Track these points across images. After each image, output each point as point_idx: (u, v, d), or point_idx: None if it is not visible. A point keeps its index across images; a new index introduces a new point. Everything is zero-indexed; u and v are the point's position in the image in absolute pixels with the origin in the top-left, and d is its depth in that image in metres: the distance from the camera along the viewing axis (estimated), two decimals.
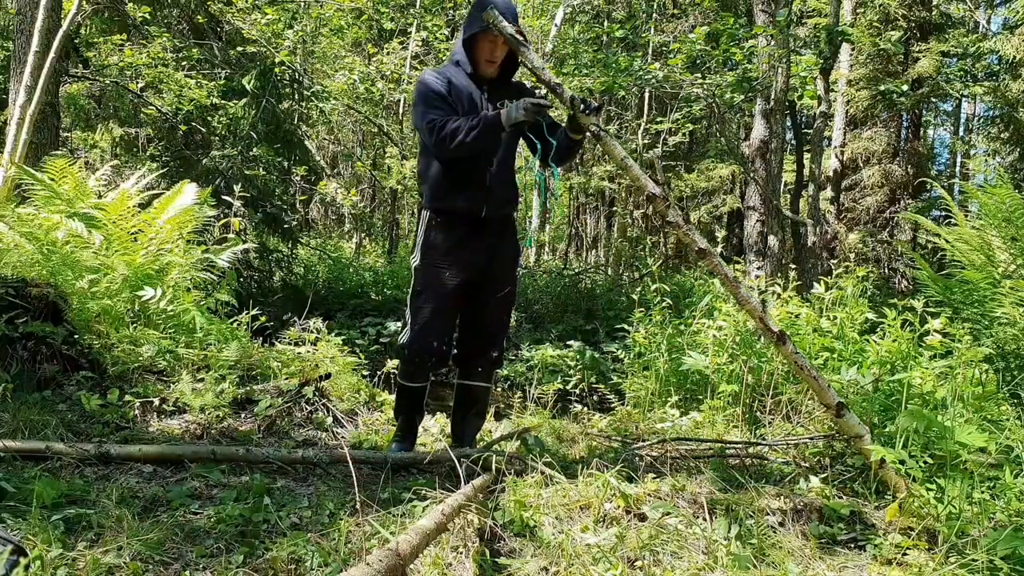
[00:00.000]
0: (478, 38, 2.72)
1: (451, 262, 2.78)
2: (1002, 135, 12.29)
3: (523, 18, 10.88)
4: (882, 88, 11.79)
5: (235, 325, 4.30)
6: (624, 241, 14.90)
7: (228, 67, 7.84)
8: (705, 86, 7.37)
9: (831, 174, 12.11)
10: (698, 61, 7.39)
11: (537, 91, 2.92)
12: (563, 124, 2.69)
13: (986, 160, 16.50)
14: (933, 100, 14.58)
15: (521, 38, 2.65)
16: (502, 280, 2.88)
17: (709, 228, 17.22)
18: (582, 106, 2.54)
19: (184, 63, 7.70)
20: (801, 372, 2.52)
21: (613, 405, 4.50)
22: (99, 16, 8.17)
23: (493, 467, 2.56)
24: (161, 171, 6.37)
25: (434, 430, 3.53)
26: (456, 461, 2.37)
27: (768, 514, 2.38)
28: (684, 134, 14.63)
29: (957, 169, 19.90)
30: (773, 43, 6.94)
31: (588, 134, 2.62)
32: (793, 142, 9.65)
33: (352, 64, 9.10)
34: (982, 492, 2.31)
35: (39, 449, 2.46)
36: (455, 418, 3.09)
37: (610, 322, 6.91)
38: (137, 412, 3.12)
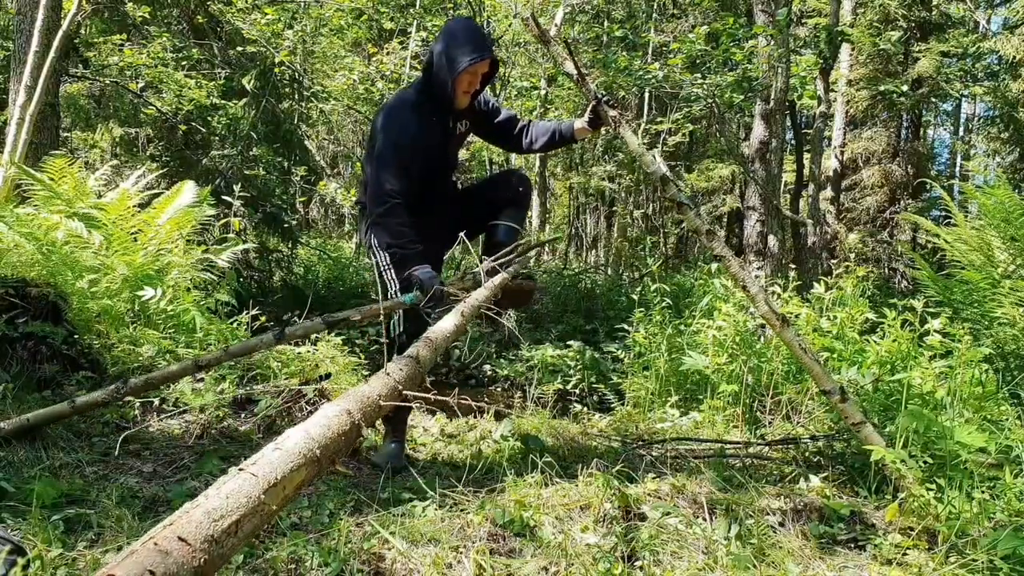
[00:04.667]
0: (461, 75, 2.71)
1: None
2: (1002, 135, 12.29)
3: (523, 18, 10.88)
4: (882, 88, 11.79)
5: (235, 325, 4.30)
6: (624, 241, 14.91)
7: (228, 67, 7.84)
8: (705, 86, 7.37)
9: (831, 174, 12.10)
10: (698, 61, 7.38)
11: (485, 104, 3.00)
12: (584, 116, 2.84)
13: (986, 161, 16.50)
14: (933, 100, 14.56)
15: (542, 32, 2.82)
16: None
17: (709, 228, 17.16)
18: (606, 99, 2.71)
19: (184, 63, 7.70)
20: (804, 355, 2.55)
21: (613, 405, 4.51)
22: (99, 16, 8.17)
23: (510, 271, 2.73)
24: (161, 171, 6.38)
25: (434, 430, 3.53)
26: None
27: (768, 514, 2.38)
28: (684, 134, 14.62)
29: (957, 169, 19.91)
30: (773, 43, 6.94)
31: (607, 127, 2.78)
32: (793, 142, 9.65)
33: (352, 64, 9.09)
34: (982, 492, 2.31)
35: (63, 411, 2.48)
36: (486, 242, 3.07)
37: (610, 322, 6.91)
38: (137, 412, 3.12)
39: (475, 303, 2.33)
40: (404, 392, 1.66)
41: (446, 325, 2.10)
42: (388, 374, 1.66)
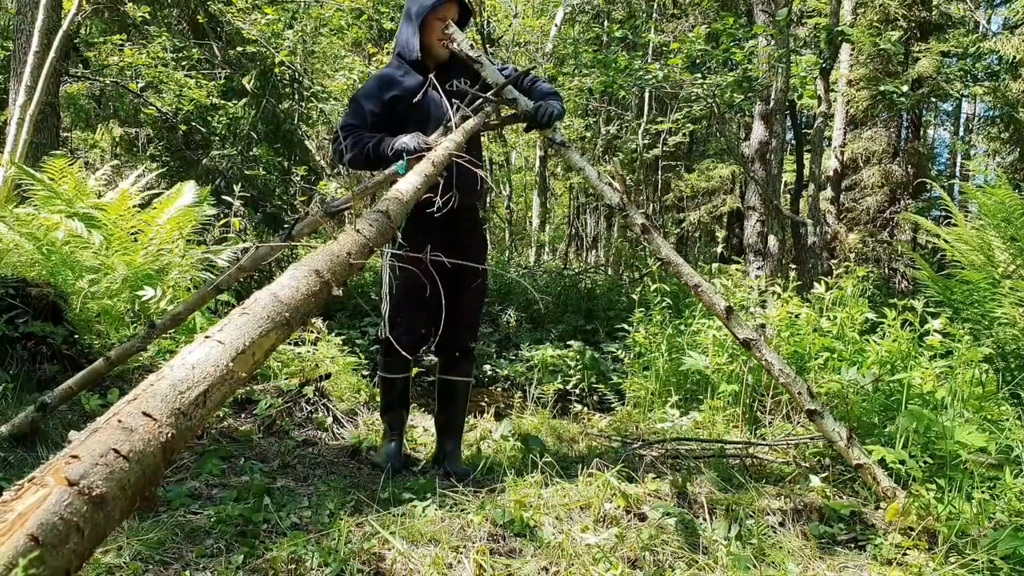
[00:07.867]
0: (427, 20, 2.75)
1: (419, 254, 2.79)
2: (1002, 135, 12.28)
3: (523, 18, 10.88)
4: (882, 88, 11.77)
5: None
6: (624, 241, 14.89)
7: (228, 67, 7.85)
8: (705, 86, 7.37)
9: (831, 174, 12.09)
10: (698, 61, 7.38)
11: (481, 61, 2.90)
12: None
13: (986, 161, 16.50)
14: (933, 100, 14.56)
15: (477, 54, 2.79)
16: (472, 271, 2.83)
17: (709, 228, 17.22)
18: (541, 118, 2.68)
19: (184, 63, 7.70)
20: (772, 374, 2.48)
21: (613, 405, 4.51)
22: (99, 16, 8.17)
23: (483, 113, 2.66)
24: (161, 171, 6.38)
25: (434, 430, 3.52)
26: None
27: (768, 514, 2.38)
28: (684, 134, 14.62)
29: (957, 169, 19.88)
30: (773, 43, 6.94)
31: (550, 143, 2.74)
32: (793, 142, 9.65)
33: (352, 64, 9.09)
34: (982, 492, 2.31)
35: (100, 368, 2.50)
36: (438, 411, 3.11)
37: (610, 322, 6.90)
38: None
39: (444, 152, 2.24)
40: (375, 249, 1.60)
41: (414, 179, 1.99)
42: (358, 231, 1.58)
